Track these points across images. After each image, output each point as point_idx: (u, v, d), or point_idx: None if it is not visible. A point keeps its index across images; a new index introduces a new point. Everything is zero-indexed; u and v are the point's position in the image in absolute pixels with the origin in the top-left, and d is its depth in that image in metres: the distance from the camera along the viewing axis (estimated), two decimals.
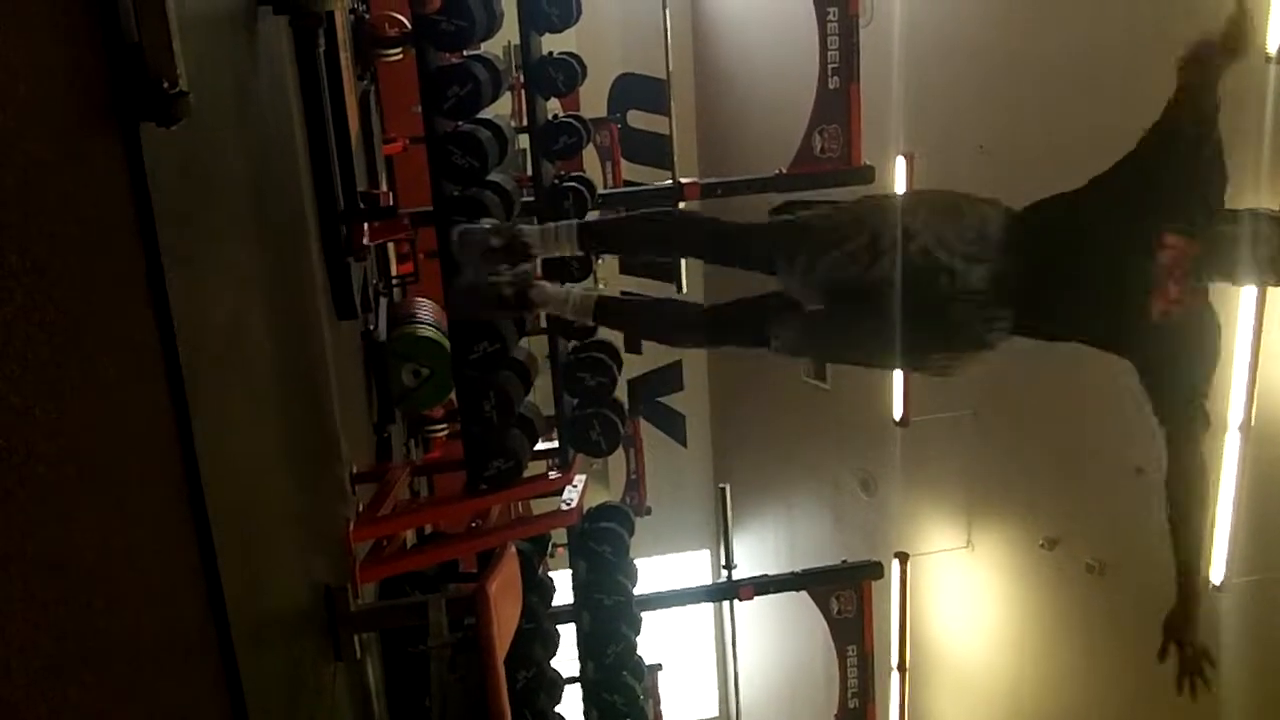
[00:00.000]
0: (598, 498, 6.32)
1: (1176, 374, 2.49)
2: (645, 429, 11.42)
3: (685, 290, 8.52)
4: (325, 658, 2.84)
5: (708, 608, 10.53)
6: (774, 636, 11.28)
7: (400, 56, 5.14)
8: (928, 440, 8.12)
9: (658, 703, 8.85)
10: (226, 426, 1.94)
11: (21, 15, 1.21)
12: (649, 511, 10.26)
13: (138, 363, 1.53)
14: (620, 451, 7.98)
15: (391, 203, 4.78)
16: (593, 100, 10.44)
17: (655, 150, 10.46)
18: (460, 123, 3.88)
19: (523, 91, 4.54)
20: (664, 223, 2.90)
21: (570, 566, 5.22)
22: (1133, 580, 6.69)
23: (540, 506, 4.92)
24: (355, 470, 3.76)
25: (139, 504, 1.47)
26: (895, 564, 7.36)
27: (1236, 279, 2.53)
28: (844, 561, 6.71)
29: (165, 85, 1.50)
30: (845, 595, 6.35)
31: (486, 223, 2.78)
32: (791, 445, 11.55)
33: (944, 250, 2.47)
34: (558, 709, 4.98)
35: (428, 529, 4.69)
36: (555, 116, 4.43)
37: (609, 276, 8.93)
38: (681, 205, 5.95)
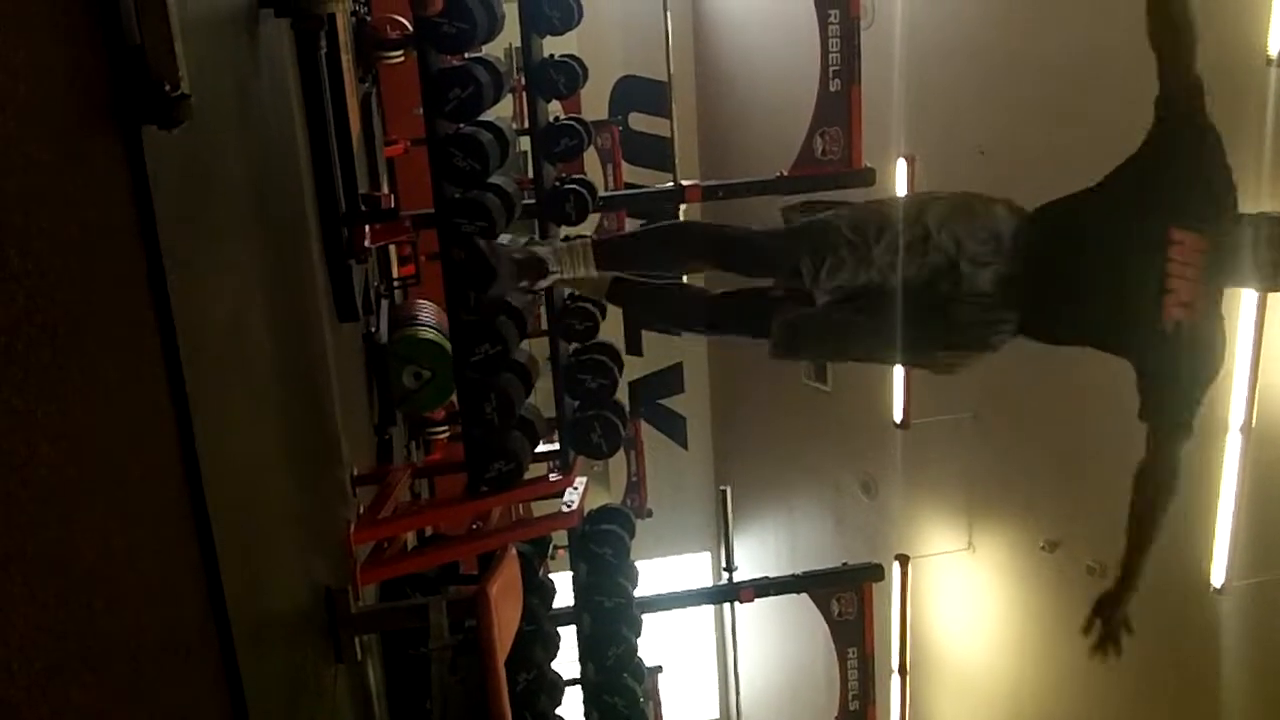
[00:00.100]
0: (598, 500, 6.32)
1: (1178, 383, 2.50)
2: (646, 431, 11.42)
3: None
4: (326, 659, 2.84)
5: (708, 610, 10.52)
6: (775, 639, 11.27)
7: (402, 59, 5.15)
8: (928, 442, 8.12)
9: (658, 705, 8.84)
10: (227, 428, 1.94)
11: (22, 16, 1.21)
12: (650, 514, 10.27)
13: (139, 364, 1.53)
14: (621, 454, 7.98)
15: (393, 205, 4.79)
16: (594, 103, 10.47)
17: (656, 153, 10.47)
18: (461, 125, 3.88)
19: (524, 94, 4.54)
20: (683, 234, 2.89)
21: (571, 568, 5.22)
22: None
23: (541, 509, 4.92)
24: (356, 472, 3.76)
25: (140, 504, 1.48)
26: (896, 566, 7.36)
27: (1250, 283, 2.55)
28: (845, 564, 6.70)
29: (167, 88, 1.50)
30: (846, 597, 6.34)
31: (506, 237, 2.78)
32: (792, 447, 11.55)
33: (956, 252, 2.48)
34: (558, 711, 4.98)
35: (428, 531, 4.70)
36: (556, 119, 4.43)
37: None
38: (684, 207, 5.95)
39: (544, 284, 2.64)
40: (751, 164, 8.46)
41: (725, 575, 6.72)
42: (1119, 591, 2.70)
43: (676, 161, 7.13)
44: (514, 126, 5.01)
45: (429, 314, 5.04)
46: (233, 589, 1.78)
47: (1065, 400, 6.78)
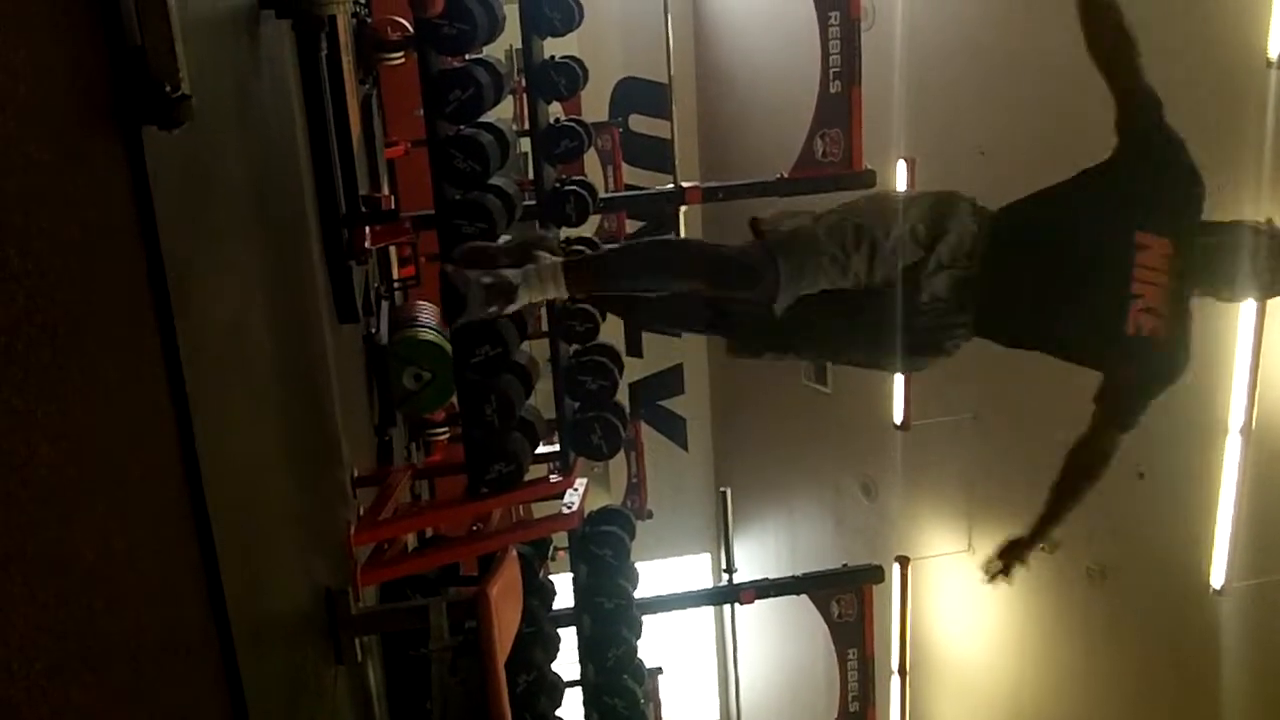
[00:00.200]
0: (599, 501, 6.32)
1: (1136, 387, 2.51)
2: (646, 433, 11.41)
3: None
4: (326, 660, 2.84)
5: (708, 611, 10.52)
6: (775, 640, 11.27)
7: (402, 60, 5.15)
8: (928, 444, 8.12)
9: (658, 706, 8.84)
10: (227, 428, 1.94)
11: (22, 16, 1.21)
12: (650, 515, 10.26)
13: (139, 364, 1.53)
14: (621, 455, 7.97)
15: (393, 206, 4.79)
16: (594, 104, 10.47)
17: (657, 154, 10.47)
18: (462, 126, 3.89)
19: (524, 95, 4.55)
20: (667, 253, 2.80)
21: (571, 570, 5.22)
22: (1133, 585, 6.69)
23: (541, 510, 4.92)
24: (356, 473, 3.76)
25: (140, 505, 1.48)
26: (896, 568, 7.36)
27: (1220, 292, 2.49)
28: (845, 565, 6.70)
29: (168, 88, 1.50)
30: (846, 599, 6.34)
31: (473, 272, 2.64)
32: (792, 449, 11.55)
33: (924, 258, 2.45)
34: (558, 713, 4.98)
35: (429, 532, 4.70)
36: (557, 120, 4.43)
37: None
38: (684, 209, 5.95)
39: (512, 308, 2.53)
40: (752, 166, 8.46)
41: (725, 577, 6.72)
42: (1027, 546, 2.78)
43: (677, 163, 7.13)
44: (514, 128, 5.02)
45: (429, 315, 5.04)
46: (233, 589, 1.78)
47: (1065, 402, 6.73)
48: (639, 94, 11.48)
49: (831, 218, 2.52)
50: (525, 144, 4.88)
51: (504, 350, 3.79)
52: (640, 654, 5.38)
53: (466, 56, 4.03)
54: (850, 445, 10.05)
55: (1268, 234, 2.40)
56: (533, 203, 4.45)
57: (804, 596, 6.35)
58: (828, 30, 5.62)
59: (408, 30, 4.81)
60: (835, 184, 5.63)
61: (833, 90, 5.65)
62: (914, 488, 8.88)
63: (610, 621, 5.17)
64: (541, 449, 4.34)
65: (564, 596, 5.24)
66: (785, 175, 5.79)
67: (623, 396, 4.59)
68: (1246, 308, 4.96)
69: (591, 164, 9.36)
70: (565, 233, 4.59)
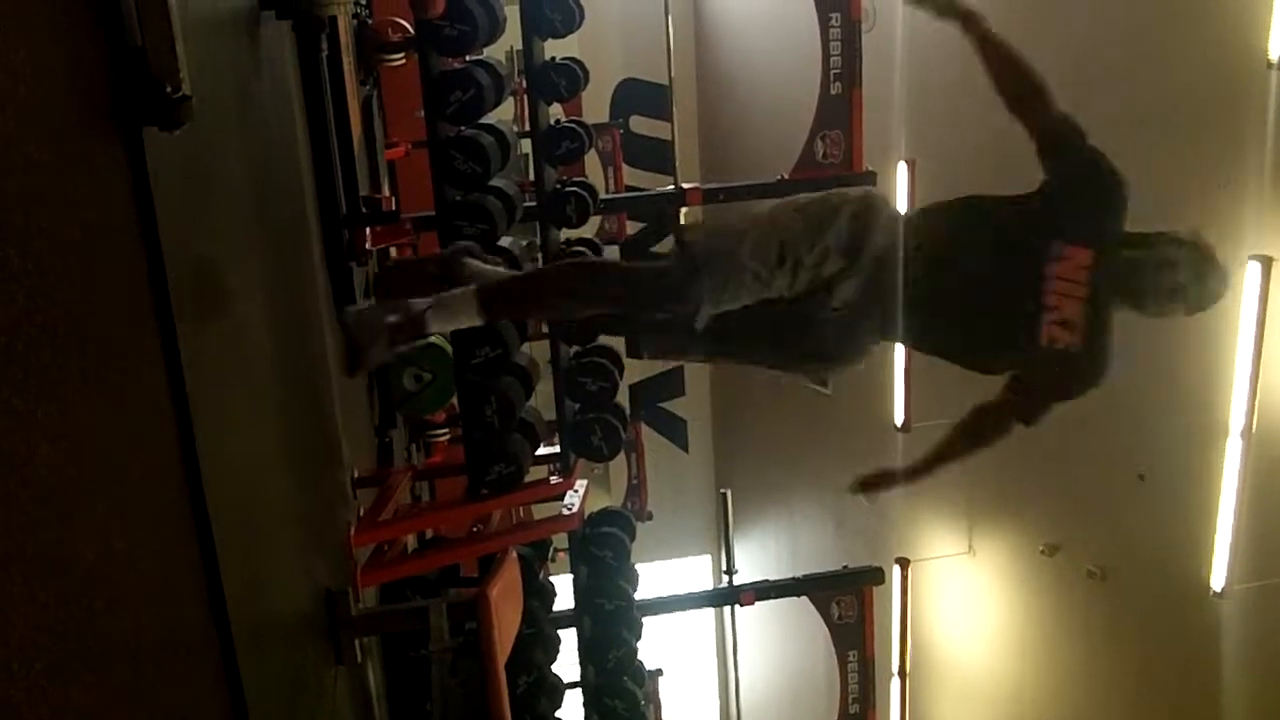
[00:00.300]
0: (599, 502, 6.31)
1: (1045, 393, 2.50)
2: (647, 434, 11.42)
3: None
4: (326, 661, 2.84)
5: (709, 613, 10.51)
6: (775, 642, 11.26)
7: (403, 61, 5.14)
8: (929, 445, 8.11)
9: (659, 708, 8.84)
10: (227, 428, 1.94)
11: (23, 16, 1.21)
12: (650, 516, 10.27)
13: (139, 365, 1.53)
14: (622, 457, 7.99)
15: (394, 207, 4.79)
16: (595, 105, 10.47)
17: (657, 155, 10.47)
18: (463, 128, 3.89)
19: (525, 96, 4.55)
20: (570, 280, 2.74)
21: (571, 571, 5.22)
22: (1133, 586, 6.68)
23: (541, 511, 4.92)
24: (356, 474, 3.76)
25: (140, 505, 1.48)
26: (896, 569, 7.36)
27: (1144, 305, 2.41)
28: (845, 567, 6.70)
29: (168, 89, 1.50)
30: (846, 600, 6.34)
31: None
32: (793, 450, 11.54)
33: (845, 266, 2.38)
34: (558, 714, 4.98)
35: (429, 533, 4.69)
36: (557, 121, 4.43)
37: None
38: (684, 210, 5.94)
39: (424, 340, 2.45)
40: (752, 167, 8.46)
41: (725, 578, 6.72)
42: (899, 478, 2.87)
43: (677, 164, 7.13)
44: (515, 129, 5.02)
45: None
46: (233, 590, 1.78)
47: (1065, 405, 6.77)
48: (639, 95, 11.49)
49: (756, 233, 2.46)
50: (526, 145, 4.88)
51: (504, 351, 3.79)
52: (640, 655, 5.38)
53: (467, 58, 4.03)
54: (851, 447, 10.04)
55: (1191, 246, 2.33)
56: (533, 204, 4.46)
57: (804, 598, 6.35)
58: (828, 31, 5.62)
59: (408, 31, 4.80)
60: (835, 185, 5.63)
61: (833, 91, 5.65)
62: (914, 490, 8.84)
63: (610, 623, 5.17)
64: (542, 450, 4.34)
65: (564, 598, 5.24)
66: (786, 176, 5.79)
67: (623, 398, 4.59)
68: (1247, 308, 4.95)
69: (592, 165, 9.37)
70: (565, 234, 4.60)
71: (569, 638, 5.22)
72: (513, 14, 4.03)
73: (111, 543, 1.33)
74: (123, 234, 1.51)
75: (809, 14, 5.74)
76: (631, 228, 10.30)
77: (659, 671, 8.38)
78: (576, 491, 4.36)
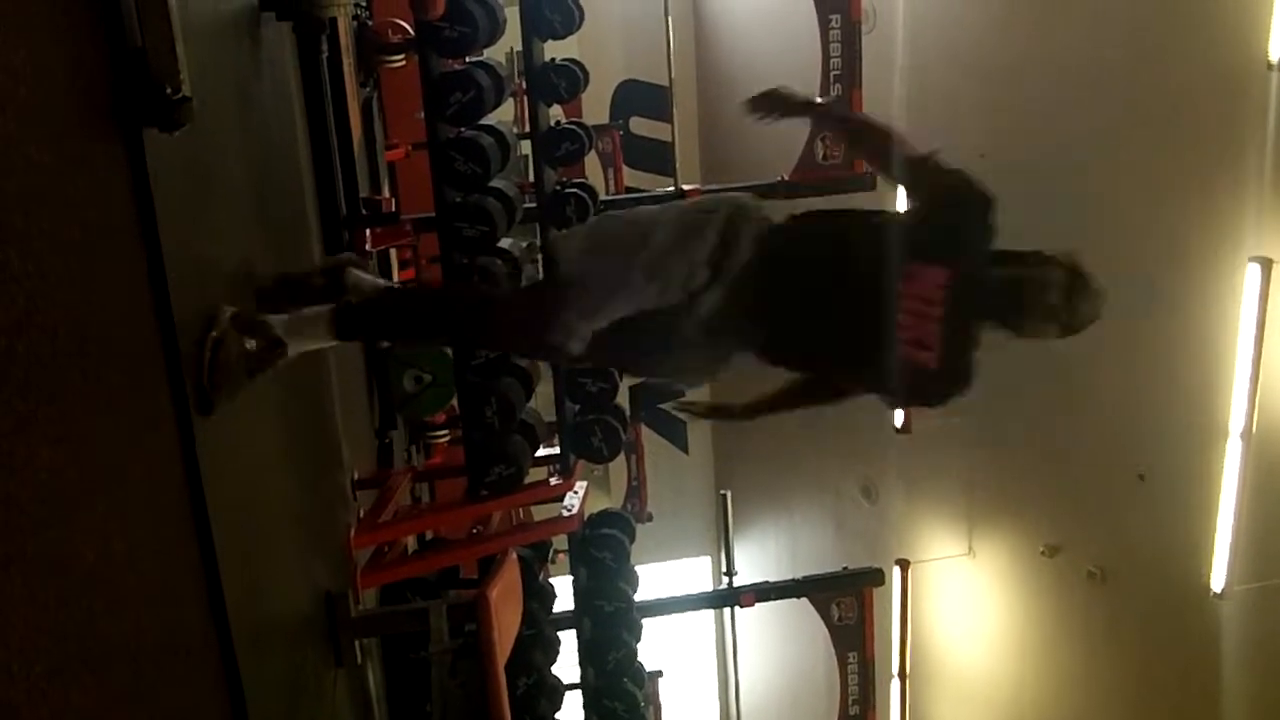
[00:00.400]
0: (599, 504, 6.32)
1: (909, 399, 2.45)
2: (647, 435, 11.39)
3: None
4: (326, 663, 2.84)
5: (709, 614, 10.50)
6: (775, 643, 11.26)
7: (403, 63, 5.15)
8: (929, 447, 8.11)
9: (658, 710, 8.83)
10: (227, 430, 1.94)
11: (23, 17, 1.21)
12: (650, 518, 10.25)
13: (139, 365, 1.53)
14: (621, 458, 7.98)
15: (394, 208, 4.79)
16: (595, 107, 10.46)
17: (657, 157, 10.46)
18: (463, 129, 3.89)
19: (525, 98, 4.54)
20: (423, 310, 2.58)
21: (571, 573, 5.22)
22: (1133, 588, 6.68)
23: (541, 513, 4.92)
24: (357, 476, 3.76)
25: (140, 506, 1.48)
26: (896, 571, 7.36)
27: (1019, 326, 2.29)
28: (845, 568, 6.69)
29: (168, 90, 1.50)
30: (846, 602, 6.33)
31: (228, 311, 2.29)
32: (793, 452, 11.53)
33: (704, 280, 2.28)
34: (558, 715, 4.98)
35: (429, 535, 4.69)
36: (557, 123, 4.44)
37: None
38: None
39: (285, 361, 2.31)
40: (752, 168, 8.44)
41: (725, 580, 6.71)
42: (733, 413, 2.91)
43: (677, 165, 7.14)
44: (515, 130, 5.03)
45: None
46: (233, 591, 1.78)
47: (1066, 405, 6.78)
48: (640, 96, 11.48)
49: (626, 254, 2.33)
50: (526, 146, 4.88)
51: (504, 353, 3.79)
52: (640, 657, 5.38)
53: (467, 59, 4.03)
54: (851, 448, 10.04)
55: (1063, 266, 2.24)
56: (533, 205, 4.46)
57: (804, 600, 6.34)
58: (828, 33, 5.62)
59: (408, 33, 4.80)
60: (835, 187, 5.63)
61: (833, 93, 5.65)
62: (914, 491, 8.87)
63: (610, 624, 5.17)
64: (542, 451, 4.34)
65: (564, 599, 5.24)
66: (785, 178, 5.79)
67: (623, 399, 4.59)
68: (1247, 309, 4.96)
69: (592, 166, 9.36)
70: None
71: (569, 639, 5.22)
72: (512, 15, 4.03)
73: (111, 544, 1.33)
74: (123, 234, 1.50)
75: (809, 15, 5.74)
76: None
77: (659, 673, 8.38)
78: (576, 493, 4.36)
